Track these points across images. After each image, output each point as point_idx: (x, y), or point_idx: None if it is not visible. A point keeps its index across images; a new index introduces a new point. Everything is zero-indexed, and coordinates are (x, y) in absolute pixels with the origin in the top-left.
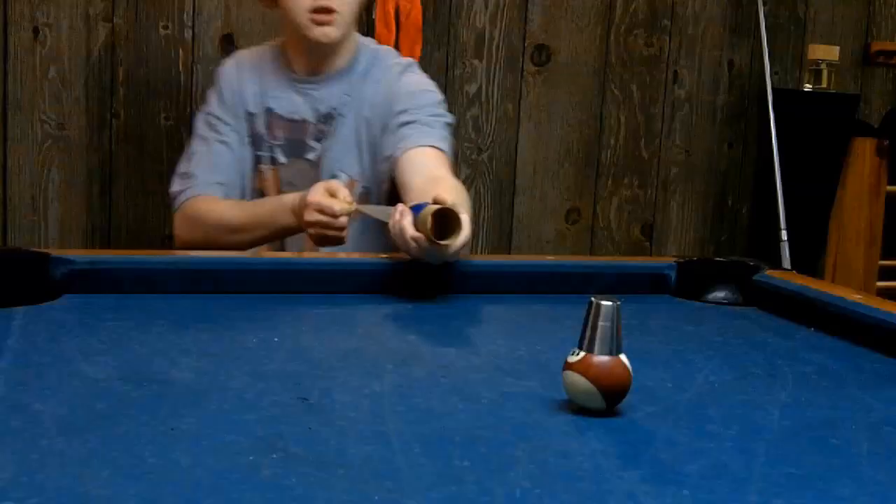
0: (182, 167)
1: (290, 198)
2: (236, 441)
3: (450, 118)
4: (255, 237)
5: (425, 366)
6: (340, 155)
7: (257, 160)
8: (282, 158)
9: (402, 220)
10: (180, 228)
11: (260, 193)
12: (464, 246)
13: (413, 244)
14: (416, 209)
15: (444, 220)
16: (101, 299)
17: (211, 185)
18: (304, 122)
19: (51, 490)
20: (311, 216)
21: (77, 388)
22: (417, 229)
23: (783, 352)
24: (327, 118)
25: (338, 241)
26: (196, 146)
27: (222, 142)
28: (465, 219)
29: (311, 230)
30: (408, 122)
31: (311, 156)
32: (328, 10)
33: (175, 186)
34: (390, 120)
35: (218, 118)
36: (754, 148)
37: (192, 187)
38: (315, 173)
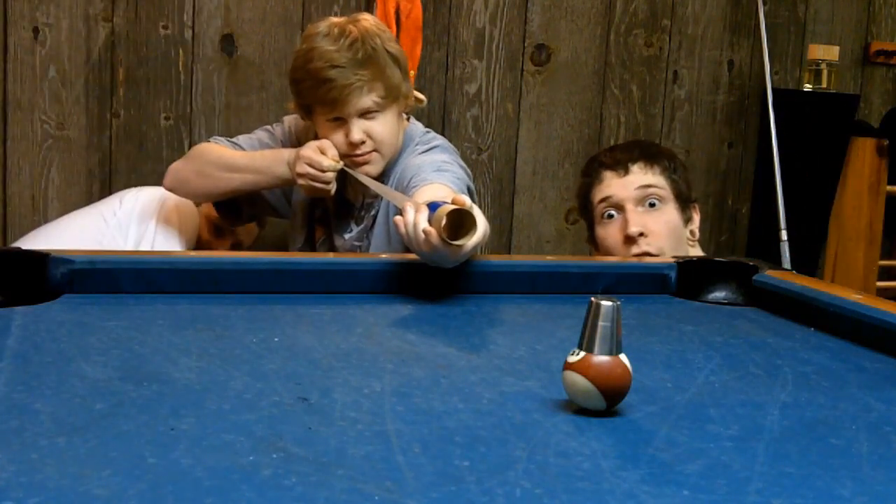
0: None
1: (288, 151)
2: (236, 441)
3: (462, 174)
4: (247, 180)
5: (425, 366)
6: (378, 241)
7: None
8: (335, 224)
9: (418, 214)
10: (177, 162)
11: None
12: (473, 251)
13: (423, 236)
14: (433, 207)
15: (459, 223)
16: (101, 299)
17: (231, 143)
18: (351, 205)
19: (51, 490)
20: (302, 168)
21: (77, 388)
22: (431, 226)
23: (783, 352)
24: (368, 207)
25: (325, 193)
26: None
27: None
28: (481, 221)
29: (301, 181)
30: (417, 185)
31: (348, 235)
32: (366, 150)
33: None
34: (405, 193)
35: (270, 146)
36: (754, 148)
37: (211, 138)
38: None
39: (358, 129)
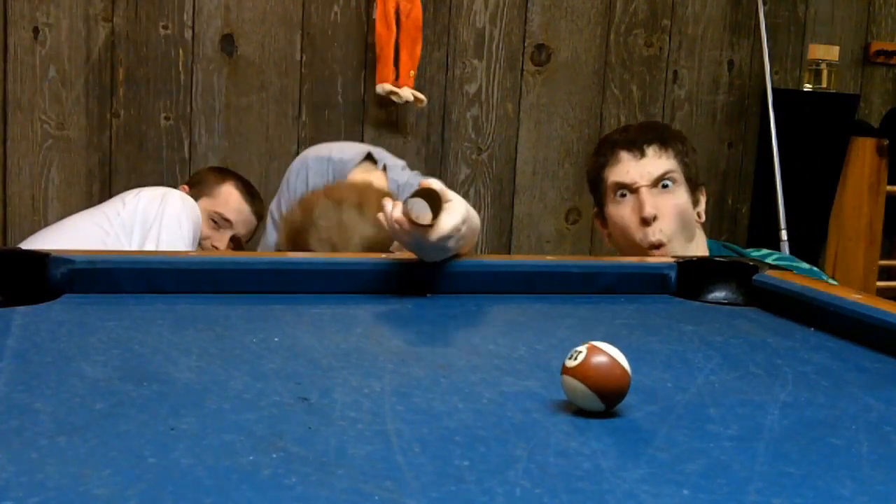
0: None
1: None
2: (236, 441)
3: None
4: None
5: (425, 366)
6: None
7: None
8: None
9: (392, 210)
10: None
11: None
12: (457, 236)
13: (396, 227)
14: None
15: (436, 210)
16: (101, 299)
17: None
18: None
19: (51, 489)
20: None
21: (77, 388)
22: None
23: (783, 352)
24: None
25: None
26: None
27: None
28: (456, 205)
29: None
30: None
31: None
32: None
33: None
34: None
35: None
36: (754, 148)
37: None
38: None
39: None
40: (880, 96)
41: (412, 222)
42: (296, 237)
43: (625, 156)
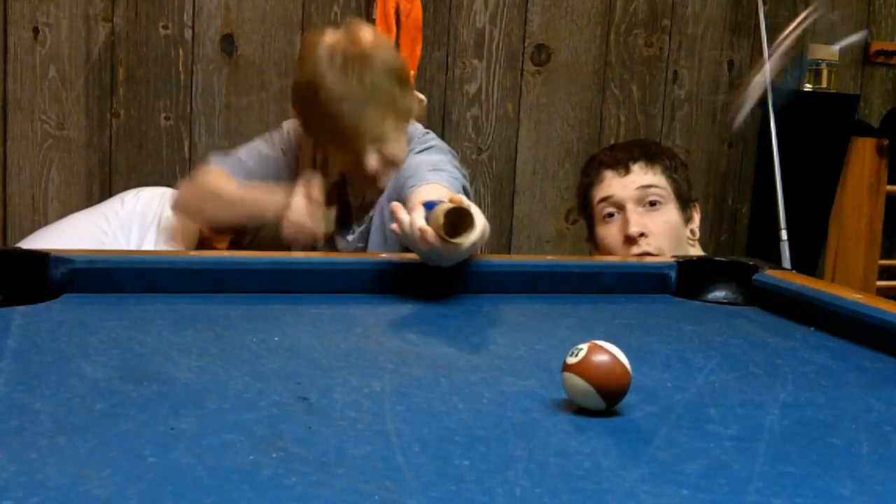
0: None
1: (276, 199)
2: (236, 441)
3: (458, 174)
4: (241, 217)
5: (425, 366)
6: (374, 245)
7: None
8: (336, 226)
9: (413, 212)
10: (183, 185)
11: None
12: (471, 250)
13: (419, 234)
14: (429, 206)
15: (457, 221)
16: (101, 299)
17: (232, 162)
18: (352, 206)
19: (51, 490)
20: (291, 233)
21: (77, 387)
22: (429, 224)
23: (783, 352)
24: (368, 208)
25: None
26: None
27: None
28: (480, 220)
29: (288, 240)
30: (414, 185)
31: (350, 237)
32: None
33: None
34: (401, 193)
35: (270, 156)
36: (754, 148)
37: (219, 158)
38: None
39: (374, 157)
40: (880, 96)
41: (440, 237)
42: (304, 58)
43: (609, 174)
